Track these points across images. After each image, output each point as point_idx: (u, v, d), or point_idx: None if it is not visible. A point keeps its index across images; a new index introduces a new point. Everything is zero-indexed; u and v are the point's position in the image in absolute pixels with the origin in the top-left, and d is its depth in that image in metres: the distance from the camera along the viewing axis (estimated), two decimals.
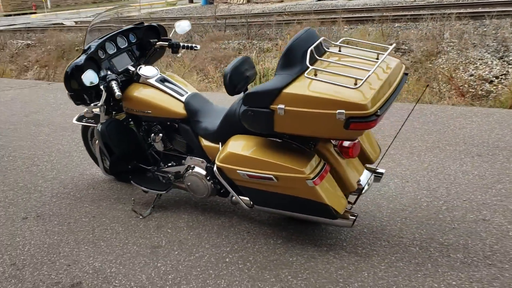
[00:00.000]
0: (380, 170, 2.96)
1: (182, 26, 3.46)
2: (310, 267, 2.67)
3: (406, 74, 2.60)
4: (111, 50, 3.35)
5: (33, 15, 28.81)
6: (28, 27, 18.80)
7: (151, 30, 3.54)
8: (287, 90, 2.36)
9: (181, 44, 3.45)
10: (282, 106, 2.36)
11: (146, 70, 3.30)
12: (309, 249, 2.82)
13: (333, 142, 2.66)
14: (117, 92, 2.98)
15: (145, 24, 3.55)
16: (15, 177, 4.19)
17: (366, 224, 3.03)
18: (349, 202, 2.71)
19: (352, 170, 2.72)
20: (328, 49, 2.64)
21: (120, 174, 3.69)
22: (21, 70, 11.48)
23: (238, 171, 2.64)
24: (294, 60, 2.46)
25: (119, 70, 3.32)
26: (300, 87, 2.36)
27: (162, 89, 3.20)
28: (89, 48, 3.24)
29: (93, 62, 3.20)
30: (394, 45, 2.75)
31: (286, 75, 2.43)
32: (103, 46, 3.30)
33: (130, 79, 3.32)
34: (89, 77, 2.98)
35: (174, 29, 3.43)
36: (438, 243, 2.79)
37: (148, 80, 3.25)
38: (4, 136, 5.34)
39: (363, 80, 2.22)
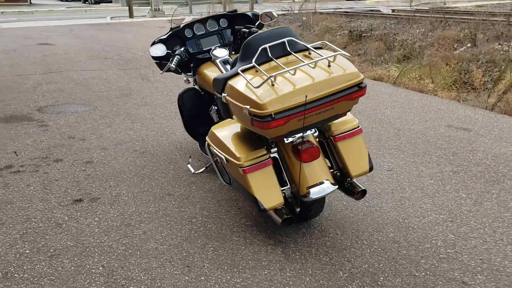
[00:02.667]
0: (360, 188, 2.77)
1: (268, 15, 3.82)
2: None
3: (359, 85, 2.43)
4: (199, 31, 3.74)
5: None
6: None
7: (245, 18, 3.86)
8: (230, 81, 2.53)
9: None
10: (225, 95, 2.58)
11: (218, 52, 3.60)
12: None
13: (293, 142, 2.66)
14: (171, 64, 3.39)
15: (238, 12, 3.90)
16: None
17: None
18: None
19: (309, 175, 2.61)
20: (300, 50, 2.58)
21: (195, 136, 4.01)
22: None
23: (210, 147, 2.83)
24: (248, 54, 2.56)
25: (204, 49, 3.72)
26: (237, 80, 2.50)
27: (220, 68, 3.49)
28: (177, 27, 3.70)
29: (179, 38, 3.68)
30: (329, 54, 2.52)
31: (237, 67, 2.57)
32: (192, 27, 3.71)
33: (210, 58, 3.68)
34: (154, 50, 3.50)
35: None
36: None
37: (216, 60, 3.57)
38: None
39: (263, 82, 2.30)
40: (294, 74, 2.39)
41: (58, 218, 3.03)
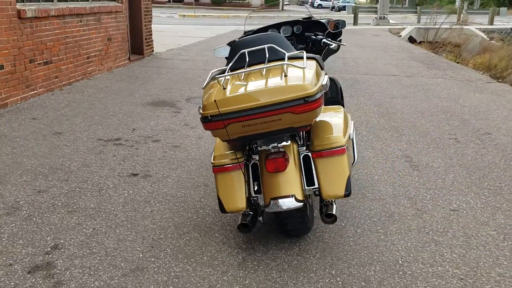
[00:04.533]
0: (331, 212, 2.54)
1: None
2: None
3: (305, 99, 2.25)
4: None
5: None
6: None
7: (319, 25, 3.74)
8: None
9: (324, 40, 3.51)
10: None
11: None
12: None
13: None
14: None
15: (313, 19, 3.80)
16: None
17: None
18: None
19: (274, 186, 2.51)
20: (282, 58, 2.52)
21: None
22: None
23: None
24: (232, 58, 2.63)
25: None
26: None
27: None
28: (250, 31, 3.71)
29: None
30: (299, 64, 2.43)
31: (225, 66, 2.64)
32: (266, 31, 3.65)
33: None
34: (219, 51, 3.42)
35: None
36: None
37: None
38: None
39: (206, 83, 2.44)
40: (242, 79, 2.40)
41: (109, 183, 3.59)
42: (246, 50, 2.57)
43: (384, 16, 20.19)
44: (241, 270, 2.58)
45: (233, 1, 41.22)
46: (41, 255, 2.66)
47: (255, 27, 3.84)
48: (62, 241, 2.80)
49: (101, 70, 7.87)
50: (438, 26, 15.37)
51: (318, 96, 2.29)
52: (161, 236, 2.90)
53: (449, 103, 6.42)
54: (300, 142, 2.70)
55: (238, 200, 2.58)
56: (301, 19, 3.85)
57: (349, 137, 2.72)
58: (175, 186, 3.61)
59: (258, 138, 2.48)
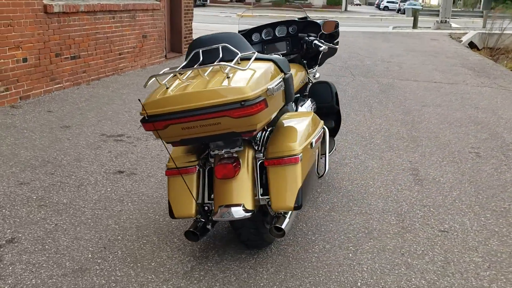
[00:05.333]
0: (280, 225, 2.37)
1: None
2: None
3: (241, 103, 2.08)
4: (267, 36, 3.66)
5: None
6: None
7: (315, 26, 3.63)
8: None
9: (315, 42, 3.39)
10: None
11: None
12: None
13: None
14: None
15: (309, 19, 3.69)
16: None
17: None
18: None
19: (223, 194, 2.37)
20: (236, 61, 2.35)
21: None
22: None
23: None
24: (188, 54, 2.52)
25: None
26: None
27: None
28: (244, 30, 3.68)
29: None
30: (247, 65, 2.27)
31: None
32: (261, 31, 3.66)
33: None
34: None
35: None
36: None
37: None
38: None
39: (146, 82, 2.27)
40: (189, 79, 2.27)
41: (91, 179, 3.57)
42: (200, 49, 2.44)
43: (445, 20, 19.20)
44: (184, 279, 2.45)
45: (295, 1, 41.01)
46: None
47: (250, 26, 3.71)
48: (20, 235, 2.79)
49: (134, 66, 7.99)
50: (500, 32, 14.42)
51: (257, 100, 2.12)
52: (119, 237, 2.82)
53: (485, 114, 5.94)
54: (258, 148, 2.53)
55: (188, 206, 2.45)
56: (296, 19, 3.66)
57: (310, 145, 2.51)
58: (155, 186, 3.53)
59: (202, 141, 2.34)
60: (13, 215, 3.02)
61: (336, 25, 3.59)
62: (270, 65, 2.41)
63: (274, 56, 2.53)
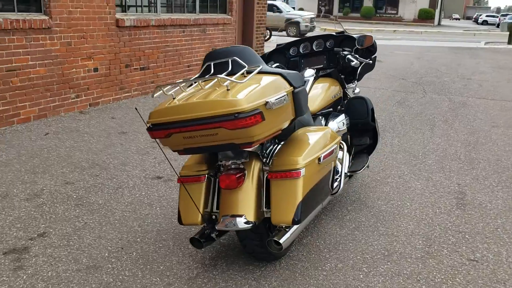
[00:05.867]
0: (279, 239, 2.37)
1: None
2: None
3: (235, 114, 2.09)
4: (305, 50, 3.73)
5: None
6: None
7: (352, 41, 3.63)
8: None
9: (348, 57, 3.41)
10: None
11: (306, 72, 3.50)
12: None
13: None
14: None
15: (345, 34, 3.72)
16: None
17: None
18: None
19: (227, 203, 2.42)
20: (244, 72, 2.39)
21: None
22: None
23: None
24: (202, 66, 2.60)
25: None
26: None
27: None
28: (281, 44, 3.77)
29: (283, 56, 3.74)
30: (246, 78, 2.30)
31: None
32: (298, 45, 3.73)
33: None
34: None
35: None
36: None
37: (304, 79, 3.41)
38: None
39: (153, 93, 2.33)
40: (195, 91, 2.32)
41: (130, 183, 3.76)
42: (212, 63, 2.51)
43: None
44: (187, 285, 2.50)
45: (384, 15, 40.12)
46: (25, 240, 2.89)
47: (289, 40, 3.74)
48: (51, 230, 3.01)
49: None
50: None
51: (252, 113, 2.13)
52: (138, 239, 2.95)
53: None
54: (267, 161, 2.54)
55: (194, 214, 2.51)
56: (334, 33, 3.63)
57: (318, 160, 2.47)
58: None
59: (203, 151, 2.39)
60: (51, 211, 3.27)
61: (373, 40, 3.51)
62: (276, 78, 2.41)
63: (284, 70, 2.53)
